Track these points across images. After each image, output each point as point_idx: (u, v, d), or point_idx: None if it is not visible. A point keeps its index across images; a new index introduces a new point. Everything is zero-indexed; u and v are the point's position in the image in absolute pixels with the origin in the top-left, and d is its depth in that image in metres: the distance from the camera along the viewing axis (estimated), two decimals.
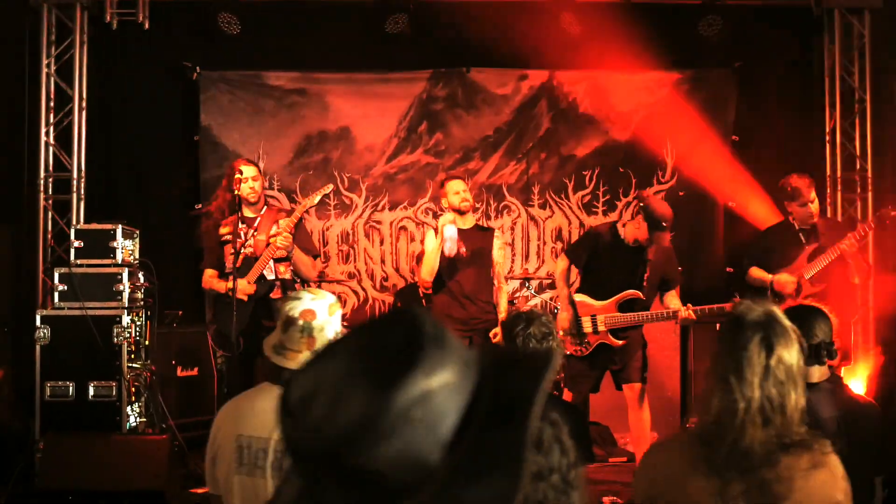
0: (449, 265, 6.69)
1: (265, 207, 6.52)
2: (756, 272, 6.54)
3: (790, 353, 2.41)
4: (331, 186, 6.76)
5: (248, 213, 6.43)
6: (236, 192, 6.23)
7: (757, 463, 2.36)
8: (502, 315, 6.61)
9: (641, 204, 6.23)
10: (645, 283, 6.24)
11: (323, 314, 3.00)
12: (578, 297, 6.28)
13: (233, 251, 6.21)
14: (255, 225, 6.40)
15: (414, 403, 1.10)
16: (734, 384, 2.38)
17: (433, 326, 1.16)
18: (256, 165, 6.57)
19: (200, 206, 8.24)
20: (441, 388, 1.11)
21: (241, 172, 6.30)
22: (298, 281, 6.45)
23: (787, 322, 2.47)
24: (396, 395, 1.10)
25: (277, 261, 6.28)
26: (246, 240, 6.33)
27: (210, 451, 3.10)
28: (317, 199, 6.45)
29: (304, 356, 2.91)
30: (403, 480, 1.09)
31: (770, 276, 6.41)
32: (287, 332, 2.99)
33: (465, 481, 1.08)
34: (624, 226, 6.37)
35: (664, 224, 5.99)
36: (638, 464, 2.65)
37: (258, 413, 2.95)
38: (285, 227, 6.25)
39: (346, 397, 1.11)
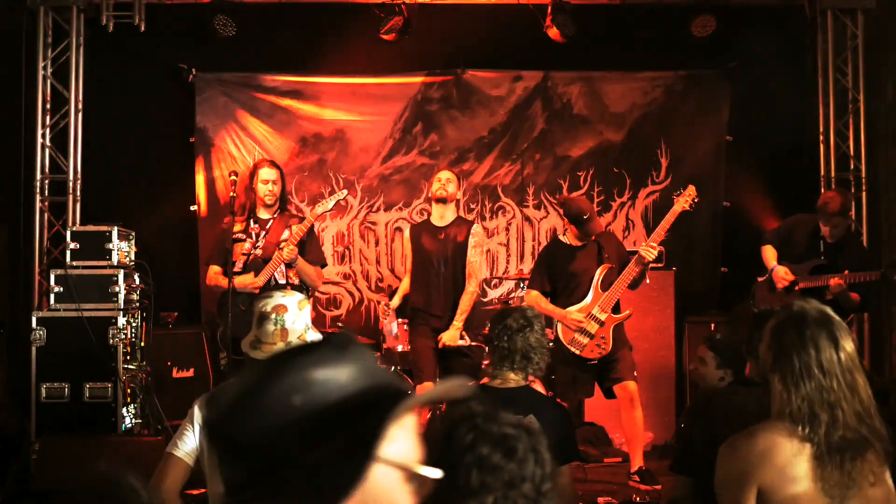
0: (423, 267, 6.65)
1: (278, 212, 6.53)
2: (767, 252, 6.74)
3: (851, 345, 2.60)
4: (345, 192, 6.69)
5: (261, 214, 6.48)
6: (253, 190, 6.42)
7: (852, 452, 2.52)
8: (459, 319, 6.45)
9: (562, 210, 6.70)
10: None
11: (293, 308, 3.23)
12: (569, 310, 6.30)
13: (242, 252, 6.26)
14: (268, 227, 6.42)
15: (295, 389, 1.19)
16: (817, 376, 2.55)
17: (343, 336, 1.29)
18: (279, 169, 6.60)
19: (195, 206, 8.32)
20: (325, 382, 1.20)
21: (260, 174, 6.46)
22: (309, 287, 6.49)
23: (838, 317, 2.65)
24: (280, 379, 1.20)
25: (289, 266, 6.29)
26: (256, 241, 6.36)
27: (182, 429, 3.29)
28: (330, 204, 6.42)
29: (279, 348, 3.10)
30: (271, 458, 1.18)
31: (773, 263, 6.56)
32: (261, 327, 3.23)
33: (316, 477, 1.18)
34: (564, 233, 6.56)
35: (585, 216, 6.30)
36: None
37: None
38: (296, 233, 6.25)
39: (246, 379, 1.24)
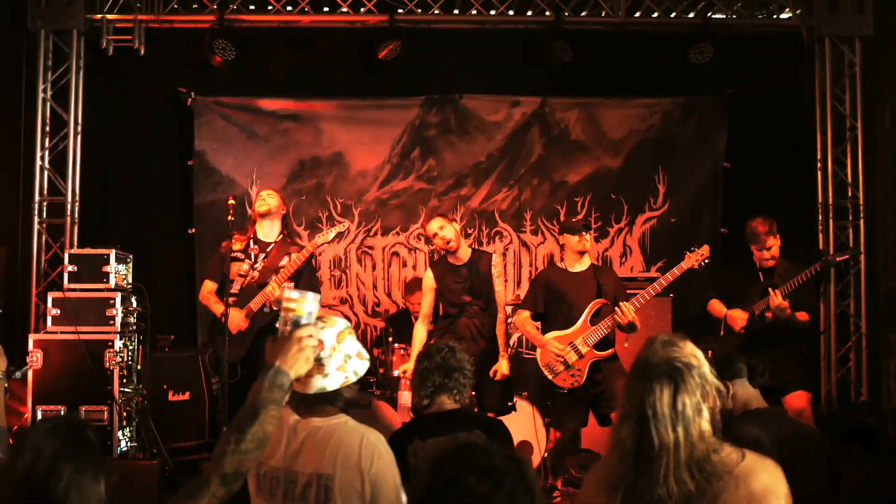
0: (453, 301, 6.47)
1: (281, 236, 6.54)
2: (714, 305, 6.62)
3: (691, 396, 2.41)
4: (347, 224, 6.67)
5: (262, 236, 6.48)
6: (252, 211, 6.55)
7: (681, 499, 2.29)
8: (504, 349, 6.44)
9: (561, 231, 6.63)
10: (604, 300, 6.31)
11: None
12: (550, 335, 6.24)
13: (239, 273, 6.27)
14: (268, 250, 6.43)
15: None
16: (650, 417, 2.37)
17: None
18: (278, 192, 6.73)
19: (193, 230, 8.32)
20: None
21: (259, 195, 6.61)
22: None
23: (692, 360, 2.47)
24: None
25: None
26: (255, 262, 6.36)
27: None
28: (331, 235, 6.43)
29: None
30: None
31: (725, 310, 6.47)
32: None
33: None
34: (562, 259, 6.52)
35: (583, 223, 6.37)
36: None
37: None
38: (294, 261, 6.27)
39: None
